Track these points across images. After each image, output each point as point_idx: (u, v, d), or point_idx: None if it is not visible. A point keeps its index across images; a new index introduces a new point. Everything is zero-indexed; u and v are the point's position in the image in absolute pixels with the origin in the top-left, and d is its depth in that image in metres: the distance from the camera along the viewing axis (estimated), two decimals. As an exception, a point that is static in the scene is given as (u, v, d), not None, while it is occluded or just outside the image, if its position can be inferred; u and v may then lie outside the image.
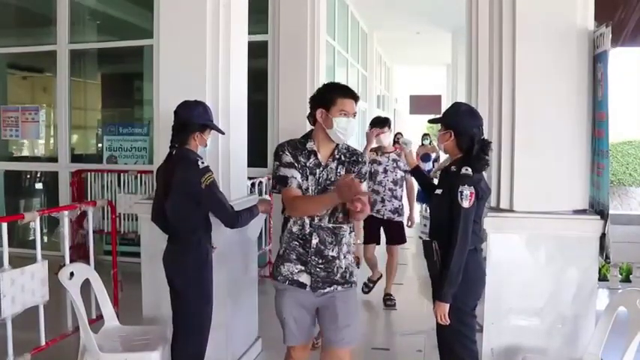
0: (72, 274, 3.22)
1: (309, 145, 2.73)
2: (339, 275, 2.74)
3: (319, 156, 2.73)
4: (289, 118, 6.58)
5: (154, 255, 3.40)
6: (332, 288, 2.74)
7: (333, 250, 2.73)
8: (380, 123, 5.25)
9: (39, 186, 8.15)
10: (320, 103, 2.72)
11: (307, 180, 2.70)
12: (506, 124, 3.44)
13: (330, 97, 2.70)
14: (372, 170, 5.30)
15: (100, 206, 4.30)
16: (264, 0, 6.89)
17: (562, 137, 3.33)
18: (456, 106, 3.06)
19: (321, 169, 2.72)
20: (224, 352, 3.66)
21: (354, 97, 2.74)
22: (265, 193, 6.16)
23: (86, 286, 3.37)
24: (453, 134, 2.88)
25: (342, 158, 2.77)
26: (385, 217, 5.38)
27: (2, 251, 3.16)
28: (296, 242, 2.74)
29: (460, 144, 2.86)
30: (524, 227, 3.36)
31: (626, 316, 2.81)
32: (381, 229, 5.50)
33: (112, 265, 4.27)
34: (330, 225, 2.72)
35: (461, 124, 2.86)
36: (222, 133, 3.36)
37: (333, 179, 2.72)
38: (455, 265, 2.71)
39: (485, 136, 3.06)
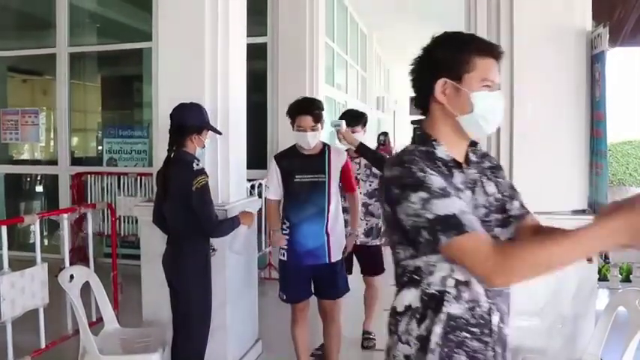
0: (72, 276, 3.22)
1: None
2: None
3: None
4: (288, 120, 6.59)
5: (153, 257, 3.40)
6: None
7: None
8: (353, 119, 4.08)
9: (39, 189, 8.16)
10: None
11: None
12: (505, 125, 3.44)
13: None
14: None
15: (99, 209, 4.31)
16: (262, 1, 6.89)
17: (560, 137, 3.33)
18: None
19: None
20: (224, 354, 3.66)
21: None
22: (265, 195, 6.15)
23: (86, 288, 3.37)
24: None
25: None
26: (358, 242, 4.02)
27: (2, 254, 3.17)
28: (466, 332, 1.45)
29: None
30: (523, 227, 3.35)
31: (625, 316, 2.81)
32: (354, 257, 4.25)
33: (112, 268, 4.28)
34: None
35: None
36: (220, 134, 3.36)
37: None
38: None
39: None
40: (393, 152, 8.85)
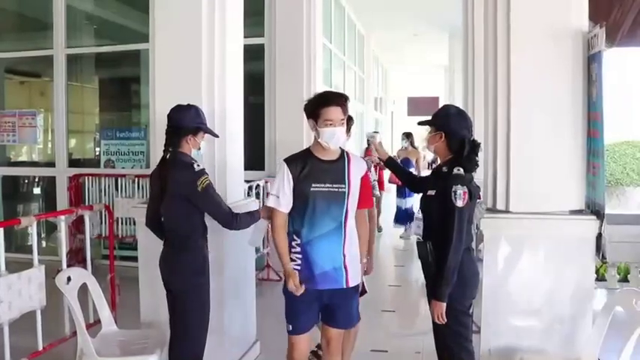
0: (69, 278, 3.21)
1: None
2: None
3: None
4: (286, 121, 6.61)
5: (151, 259, 3.40)
6: None
7: None
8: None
9: (37, 191, 8.14)
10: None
11: None
12: (502, 125, 3.45)
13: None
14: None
15: (97, 210, 4.30)
16: (260, 2, 6.90)
17: (557, 138, 3.34)
18: (446, 109, 3.12)
19: None
20: (222, 356, 3.65)
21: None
22: (263, 196, 6.15)
23: (84, 290, 3.37)
24: (443, 136, 2.93)
25: None
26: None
27: (-1, 256, 3.17)
28: None
29: (451, 145, 2.91)
30: (521, 228, 3.36)
31: (623, 316, 2.81)
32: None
33: (110, 269, 4.27)
34: None
35: (452, 126, 2.92)
36: (216, 136, 3.36)
37: None
38: (451, 263, 2.74)
39: (481, 136, 3.08)
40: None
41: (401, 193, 8.96)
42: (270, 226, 3.02)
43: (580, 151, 3.36)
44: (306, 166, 2.86)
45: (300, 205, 2.87)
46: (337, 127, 2.81)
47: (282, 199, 2.88)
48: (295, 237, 2.92)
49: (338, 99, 2.85)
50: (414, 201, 8.24)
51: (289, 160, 2.90)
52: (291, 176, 2.86)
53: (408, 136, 9.25)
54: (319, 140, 2.85)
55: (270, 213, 2.98)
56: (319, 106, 2.84)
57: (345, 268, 2.90)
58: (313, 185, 2.83)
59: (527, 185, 3.37)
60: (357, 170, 2.94)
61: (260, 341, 4.24)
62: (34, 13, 8.12)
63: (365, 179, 3.04)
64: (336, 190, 2.85)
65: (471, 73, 7.21)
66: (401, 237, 9.12)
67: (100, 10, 7.92)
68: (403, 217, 9.02)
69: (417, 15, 11.49)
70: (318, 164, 2.88)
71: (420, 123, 3.24)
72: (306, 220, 2.86)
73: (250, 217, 3.19)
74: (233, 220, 3.10)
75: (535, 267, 3.35)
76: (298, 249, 2.91)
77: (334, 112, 2.81)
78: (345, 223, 2.88)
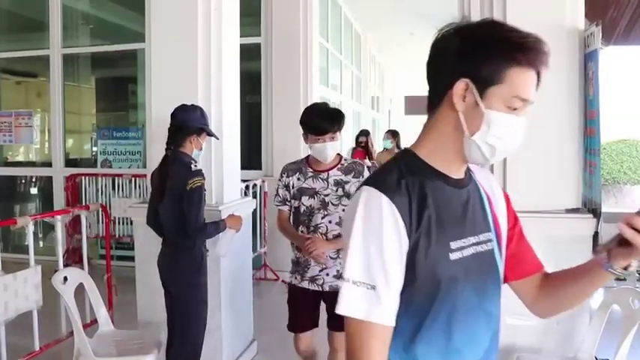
0: (65, 278, 3.21)
1: None
2: None
3: None
4: (283, 120, 6.60)
5: (148, 259, 3.39)
6: None
7: None
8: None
9: (34, 191, 8.12)
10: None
11: None
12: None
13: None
14: (297, 205, 3.00)
15: (93, 210, 4.29)
16: (256, 2, 6.89)
17: (553, 136, 3.34)
18: None
19: None
20: (219, 355, 3.65)
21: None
22: (260, 196, 6.16)
23: (81, 290, 3.37)
24: None
25: None
26: (327, 289, 2.95)
27: (-5, 256, 3.16)
28: None
29: None
30: (518, 226, 3.36)
31: (620, 315, 2.82)
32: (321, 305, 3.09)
33: (106, 269, 4.27)
34: None
35: None
36: (217, 138, 3.38)
37: None
38: None
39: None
40: (375, 155, 7.20)
41: None
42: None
43: (576, 149, 3.36)
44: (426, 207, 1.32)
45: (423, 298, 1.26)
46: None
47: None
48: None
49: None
50: None
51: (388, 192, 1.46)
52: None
53: (394, 135, 7.58)
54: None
55: (235, 222, 3.21)
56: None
57: None
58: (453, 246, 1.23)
59: (523, 184, 3.37)
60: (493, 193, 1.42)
61: (257, 340, 4.24)
62: (30, 13, 8.10)
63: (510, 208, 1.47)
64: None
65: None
66: None
67: (96, 10, 7.90)
68: None
69: (413, 14, 11.47)
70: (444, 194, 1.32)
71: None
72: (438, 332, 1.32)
73: (215, 227, 3.18)
74: (195, 230, 3.03)
75: (532, 265, 3.34)
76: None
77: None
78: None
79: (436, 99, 1.21)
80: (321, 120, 2.88)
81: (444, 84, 1.18)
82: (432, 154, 1.21)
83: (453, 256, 1.17)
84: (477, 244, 1.23)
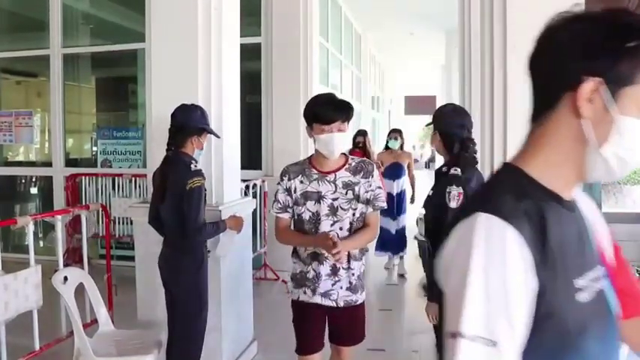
0: (65, 278, 3.21)
1: None
2: None
3: None
4: (283, 120, 6.61)
5: (148, 258, 3.39)
6: None
7: None
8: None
9: (34, 191, 8.12)
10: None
11: None
12: (499, 124, 3.46)
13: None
14: (301, 211, 2.70)
15: (93, 210, 4.29)
16: (256, 2, 6.89)
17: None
18: (441, 107, 3.11)
19: None
20: (219, 355, 3.65)
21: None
22: (260, 195, 6.15)
23: (81, 290, 3.36)
24: (439, 135, 2.88)
25: None
26: (341, 304, 2.68)
27: (-5, 256, 3.16)
28: None
29: (446, 144, 2.85)
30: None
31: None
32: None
33: (107, 269, 4.27)
34: None
35: (444, 124, 2.86)
36: (218, 137, 3.38)
37: None
38: None
39: (478, 135, 3.06)
40: (375, 156, 6.92)
41: (389, 212, 6.51)
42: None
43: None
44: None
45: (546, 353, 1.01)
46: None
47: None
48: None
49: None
50: (408, 219, 6.92)
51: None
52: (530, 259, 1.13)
53: (400, 134, 7.07)
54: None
55: (235, 223, 3.16)
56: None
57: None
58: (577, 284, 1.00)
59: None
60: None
61: (257, 340, 4.24)
62: (30, 13, 8.10)
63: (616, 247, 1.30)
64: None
65: (467, 73, 7.19)
66: (386, 268, 7.07)
67: (96, 10, 7.90)
68: (393, 241, 6.78)
69: (413, 14, 11.48)
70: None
71: (428, 124, 3.22)
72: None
73: (215, 228, 3.18)
74: (194, 231, 3.01)
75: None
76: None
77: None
78: None
79: (546, 103, 1.03)
80: (327, 107, 2.61)
81: (560, 85, 0.99)
82: (544, 170, 1.01)
83: (580, 297, 0.94)
84: (596, 280, 0.99)
